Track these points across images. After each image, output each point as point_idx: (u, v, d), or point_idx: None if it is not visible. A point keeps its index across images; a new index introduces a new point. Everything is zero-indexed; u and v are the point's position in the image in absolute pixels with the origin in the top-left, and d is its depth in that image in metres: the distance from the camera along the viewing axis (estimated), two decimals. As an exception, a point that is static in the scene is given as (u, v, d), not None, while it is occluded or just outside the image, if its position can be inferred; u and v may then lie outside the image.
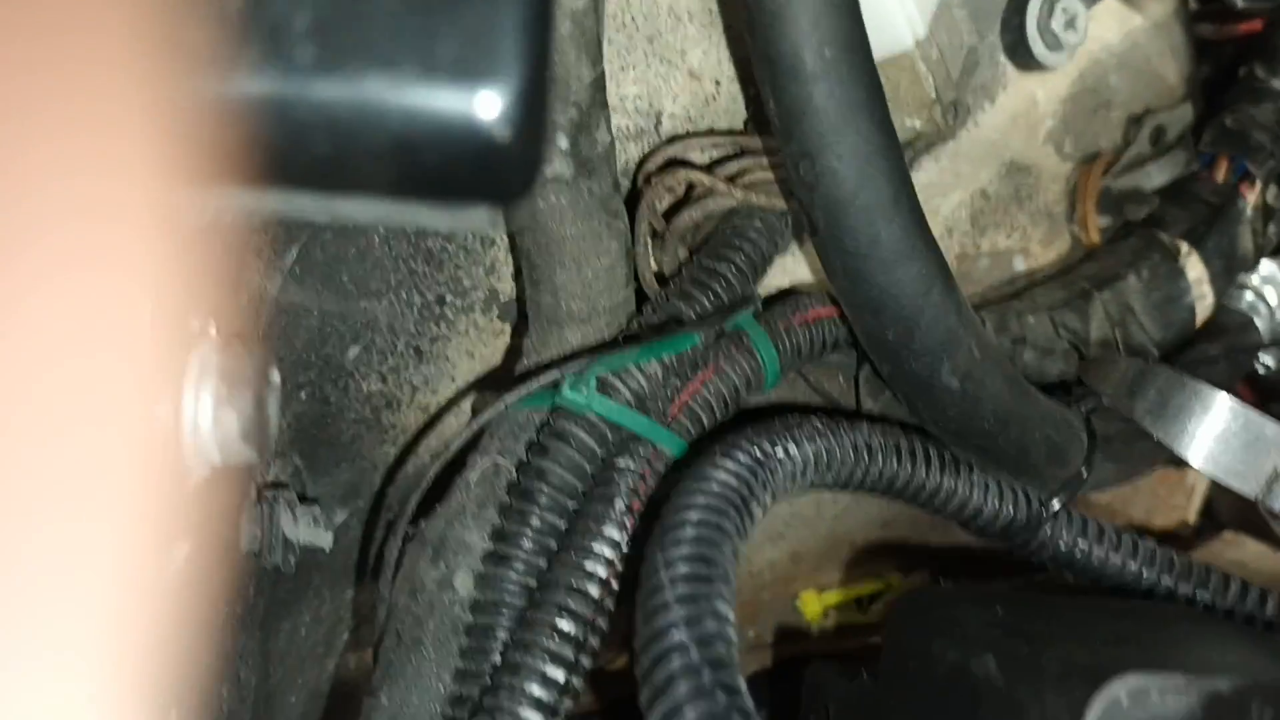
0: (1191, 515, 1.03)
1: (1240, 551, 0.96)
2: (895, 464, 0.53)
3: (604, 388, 0.52)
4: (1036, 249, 0.75)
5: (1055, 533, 0.56)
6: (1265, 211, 0.74)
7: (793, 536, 0.85)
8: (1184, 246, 0.72)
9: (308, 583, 0.65)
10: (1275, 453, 0.51)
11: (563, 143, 0.53)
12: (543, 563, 0.51)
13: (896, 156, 0.45)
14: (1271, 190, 0.74)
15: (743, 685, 0.37)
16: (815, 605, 0.87)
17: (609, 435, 0.52)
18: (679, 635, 0.38)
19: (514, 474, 0.52)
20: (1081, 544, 0.57)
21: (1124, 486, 0.61)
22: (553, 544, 0.51)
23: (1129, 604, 0.49)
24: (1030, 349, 0.68)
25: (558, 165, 0.53)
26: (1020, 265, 0.75)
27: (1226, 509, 1.06)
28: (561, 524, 0.51)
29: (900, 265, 0.46)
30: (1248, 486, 0.51)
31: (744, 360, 0.56)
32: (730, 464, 0.45)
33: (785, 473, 0.48)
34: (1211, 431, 0.51)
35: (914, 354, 0.48)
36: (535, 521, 0.51)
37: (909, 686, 0.45)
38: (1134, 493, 0.97)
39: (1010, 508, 0.56)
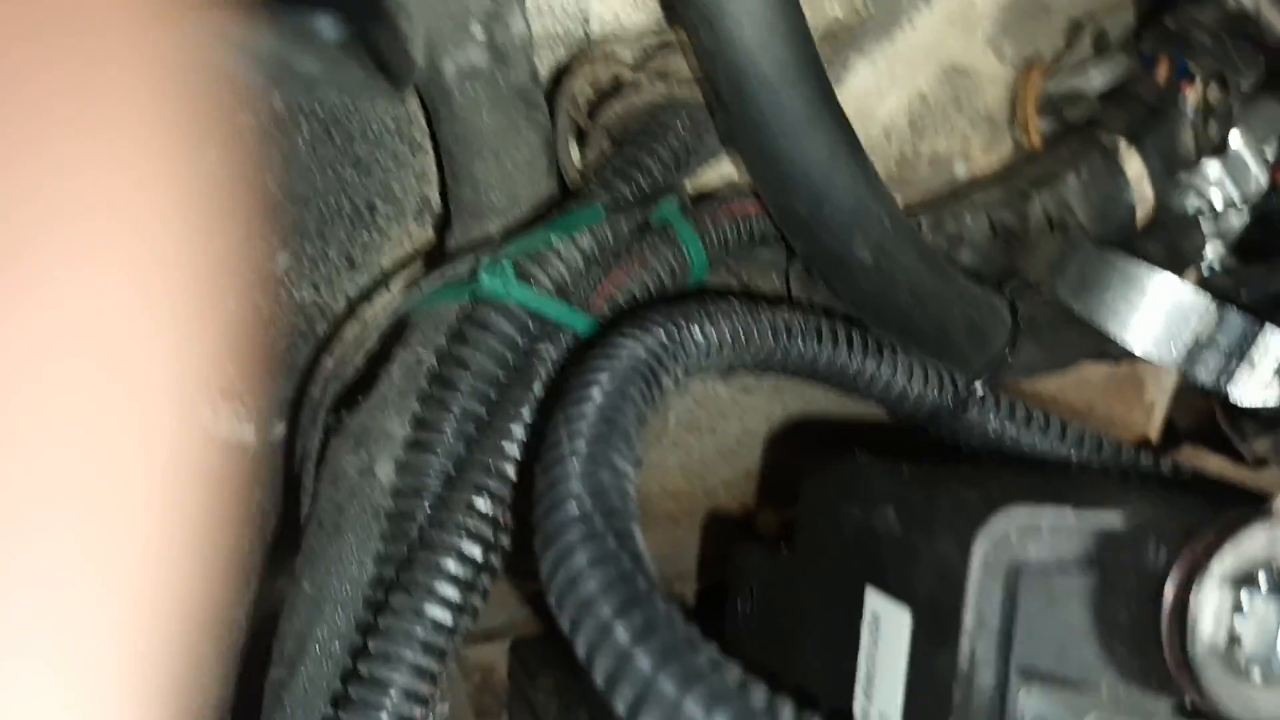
0: (1153, 432, 1.03)
1: (1199, 465, 0.96)
2: (816, 345, 0.53)
3: (524, 276, 0.52)
4: (977, 154, 0.75)
5: (981, 416, 0.57)
6: (1206, 110, 0.74)
7: (746, 454, 0.86)
8: (1123, 144, 0.72)
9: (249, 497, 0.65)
10: (1196, 320, 0.51)
11: (478, 32, 0.53)
12: (463, 449, 0.51)
13: (798, 22, 0.45)
14: (1213, 89, 0.74)
15: (637, 533, 0.37)
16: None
17: (530, 324, 0.52)
18: (574, 486, 0.38)
19: (435, 364, 0.53)
20: (1009, 427, 0.57)
21: (1056, 374, 0.61)
22: (473, 430, 0.51)
23: (1037, 469, 0.49)
24: (967, 248, 0.68)
25: (473, 55, 0.53)
26: (961, 170, 0.75)
27: (1187, 424, 1.07)
28: (482, 411, 0.51)
29: (805, 134, 0.46)
30: (1169, 356, 0.51)
31: (668, 252, 0.56)
32: (640, 335, 0.45)
33: (698, 348, 0.48)
34: (1131, 303, 0.51)
35: (824, 227, 0.48)
36: (456, 409, 0.51)
37: (820, 552, 0.45)
38: (1088, 410, 0.97)
39: (934, 390, 0.56)
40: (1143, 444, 0.99)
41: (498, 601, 0.86)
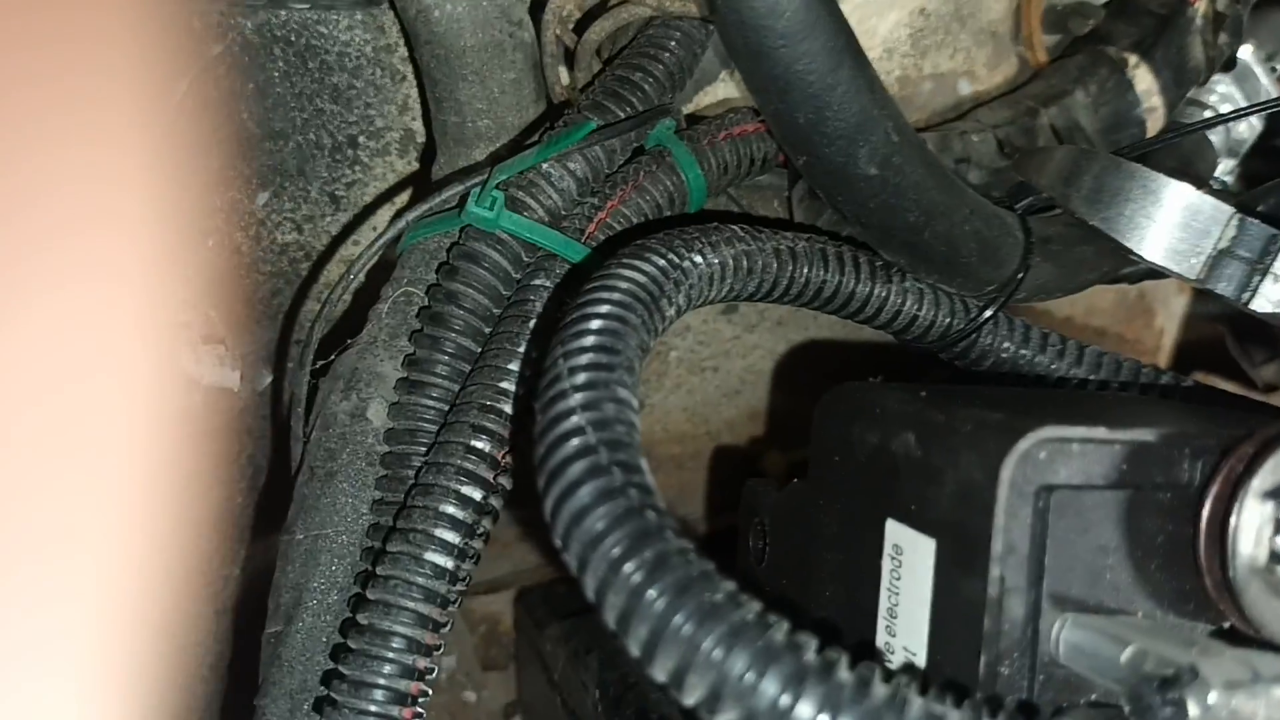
0: (1163, 358, 1.02)
1: (1210, 390, 0.94)
2: (822, 270, 0.51)
3: (514, 204, 0.50)
4: (982, 71, 0.72)
5: (993, 340, 0.54)
6: (1216, 20, 0.71)
7: (750, 394, 0.84)
8: (1132, 58, 0.69)
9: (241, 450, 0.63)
10: (1216, 230, 0.48)
11: (452, -55, 0.50)
12: (458, 388, 0.49)
13: (796, -80, 0.42)
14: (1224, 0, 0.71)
15: (644, 465, 0.35)
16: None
17: (522, 254, 0.50)
18: (576, 420, 0.36)
19: (426, 301, 0.50)
20: (1024, 351, 0.55)
21: (1068, 296, 0.59)
22: (466, 368, 0.49)
23: (1059, 390, 0.47)
24: (975, 169, 0.65)
25: (449, -29, 0.50)
26: (966, 89, 0.72)
27: (1198, 352, 1.05)
28: (475, 347, 0.49)
29: (805, 38, 0.43)
30: (1188, 269, 0.49)
31: (666, 178, 0.54)
32: (640, 263, 0.42)
33: (701, 276, 0.45)
34: (1149, 213, 0.49)
35: (827, 138, 0.45)
36: (448, 346, 0.49)
37: (835, 479, 0.43)
38: (1099, 339, 0.95)
39: (945, 314, 0.53)
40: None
41: (501, 551, 0.85)
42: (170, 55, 0.52)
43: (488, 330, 0.49)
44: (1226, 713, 0.29)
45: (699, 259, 0.46)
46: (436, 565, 0.44)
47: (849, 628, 0.41)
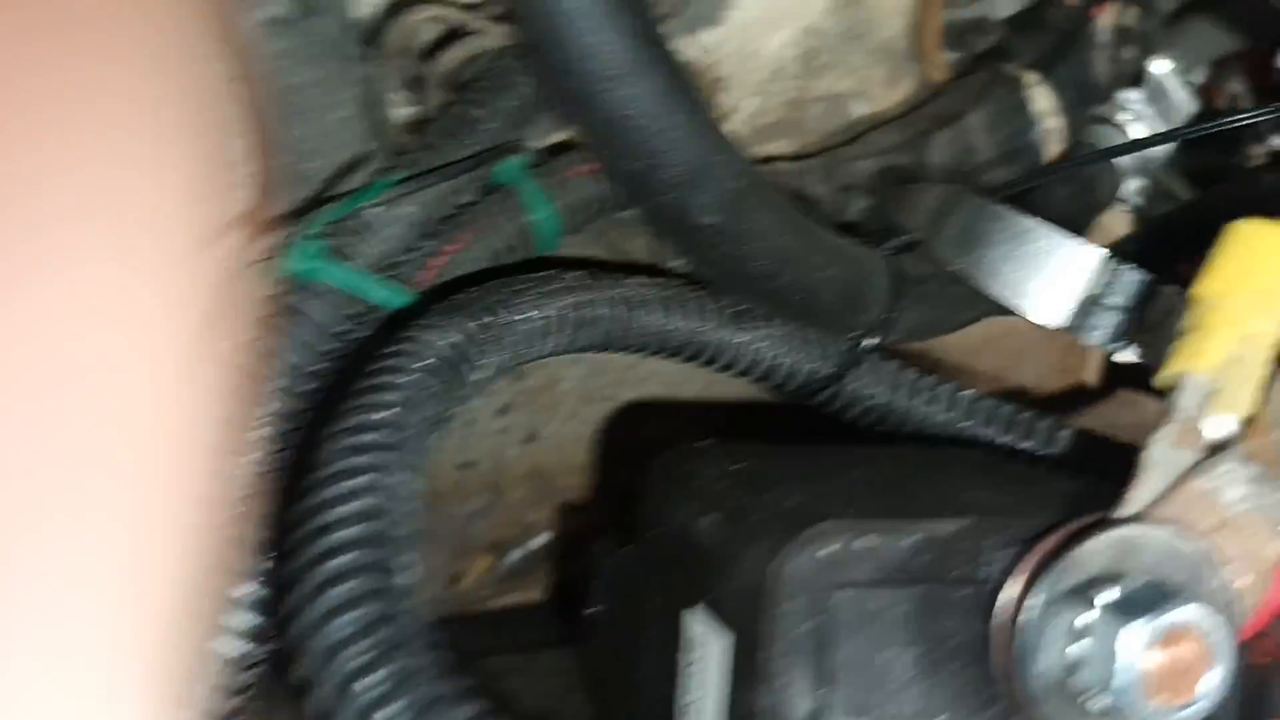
0: (1091, 376, 0.99)
1: (1137, 411, 0.92)
2: (671, 318, 0.48)
3: (339, 252, 0.47)
4: (877, 91, 0.69)
5: (862, 387, 0.52)
6: (1121, 35, 0.68)
7: (651, 424, 0.81)
8: (1031, 77, 0.66)
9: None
10: (1086, 276, 0.46)
11: (274, -23, 0.47)
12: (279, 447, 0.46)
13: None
14: (1129, 12, 0.68)
15: (406, 565, 0.33)
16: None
17: (347, 307, 0.47)
18: (340, 510, 0.33)
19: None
20: (896, 398, 0.52)
21: (948, 334, 0.56)
22: (289, 426, 0.46)
23: (906, 451, 0.44)
24: (862, 197, 0.63)
25: (277, 5, 0.47)
26: (861, 109, 0.69)
27: (1127, 368, 1.02)
28: (297, 405, 0.47)
29: (627, 81, 0.40)
30: (1054, 316, 0.46)
31: (512, 219, 0.51)
32: (439, 332, 0.40)
33: (521, 334, 0.43)
34: (1014, 259, 0.46)
35: (661, 186, 0.43)
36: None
37: (654, 553, 0.41)
38: (1020, 357, 0.93)
39: (809, 361, 0.51)
40: (1081, 393, 0.95)
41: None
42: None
43: (312, 390, 0.47)
44: None
45: (521, 315, 0.43)
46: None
47: (655, 718, 0.39)
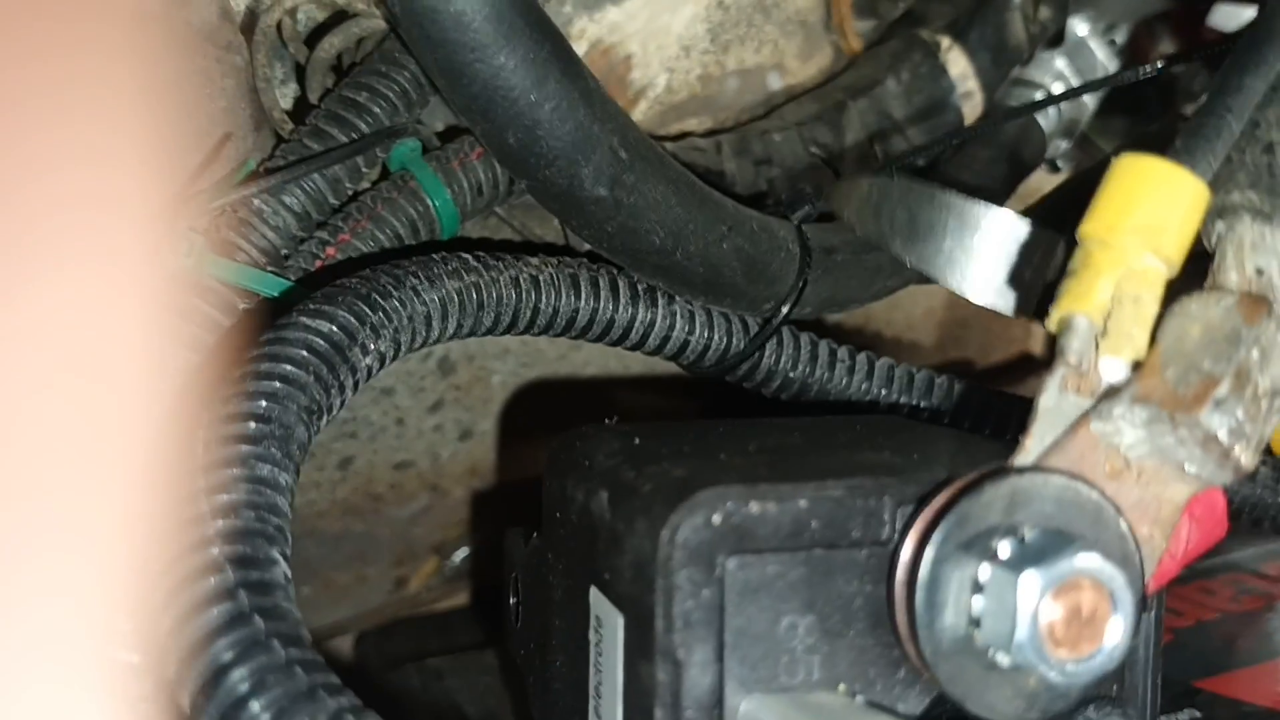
0: (1035, 346, 0.99)
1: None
2: (573, 298, 0.46)
3: (224, 247, 0.45)
4: (793, 63, 0.68)
5: (778, 360, 0.50)
6: (1037, -5, 0.67)
7: (587, 413, 0.80)
8: (945, 41, 0.65)
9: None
10: (1040, 259, 0.44)
11: (142, -34, 0.45)
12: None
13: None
14: (1044, -28, 0.68)
15: (273, 554, 0.31)
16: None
17: (237, 302, 0.46)
18: (209, 529, 0.31)
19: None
20: (811, 370, 0.51)
21: (867, 304, 0.55)
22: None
23: (806, 420, 0.43)
24: (777, 169, 0.62)
25: (143, -6, 0.45)
26: (776, 83, 0.68)
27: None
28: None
29: (499, 50, 0.39)
30: (1013, 304, 0.44)
31: (408, 205, 0.49)
32: (318, 319, 0.38)
33: (415, 316, 0.41)
34: (967, 247, 0.44)
35: (544, 160, 0.41)
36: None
37: (557, 538, 0.39)
38: (962, 329, 0.92)
39: (720, 336, 0.49)
40: (1026, 363, 0.95)
41: (341, 594, 0.81)
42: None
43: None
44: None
45: (410, 298, 0.41)
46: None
47: (572, 707, 0.37)
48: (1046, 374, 0.31)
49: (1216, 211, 0.31)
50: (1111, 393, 0.31)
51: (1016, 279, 0.44)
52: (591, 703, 0.35)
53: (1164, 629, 0.37)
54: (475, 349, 0.70)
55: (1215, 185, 0.30)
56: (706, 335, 0.49)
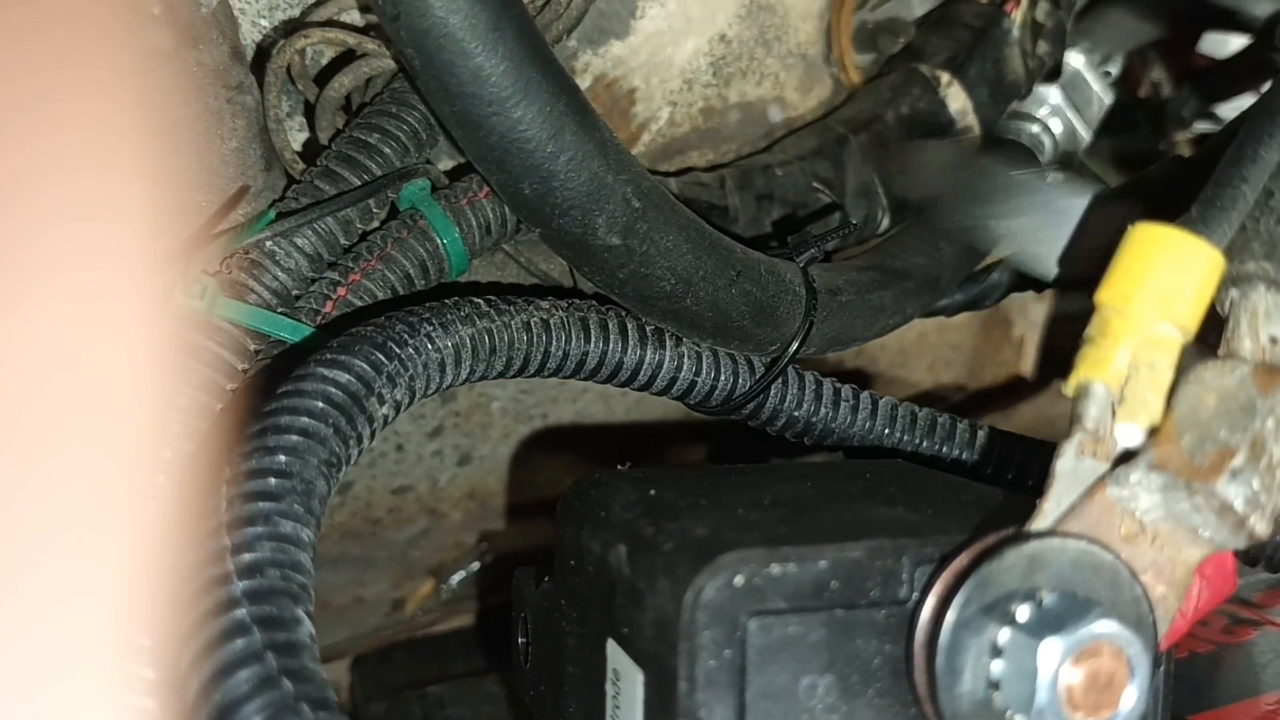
0: (1026, 367, 0.99)
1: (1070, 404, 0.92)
2: (583, 341, 0.47)
3: (238, 287, 0.45)
4: (794, 96, 0.68)
5: (783, 400, 0.51)
6: (1034, 29, 0.68)
7: (586, 438, 0.80)
8: (944, 76, 0.66)
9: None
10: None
11: (154, 6, 0.45)
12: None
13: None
14: (1042, 6, 0.68)
15: (297, 613, 0.31)
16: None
17: (248, 342, 0.46)
18: (234, 589, 0.31)
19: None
20: (818, 410, 0.51)
21: (866, 343, 0.55)
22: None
23: (820, 467, 0.43)
24: (779, 205, 0.62)
25: (153, 35, 0.45)
26: (777, 115, 0.69)
27: (1063, 358, 1.02)
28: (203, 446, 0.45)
29: (516, 104, 0.39)
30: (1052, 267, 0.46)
31: (418, 245, 0.49)
32: (336, 369, 0.38)
33: (429, 363, 0.41)
34: (1019, 214, 0.45)
35: (558, 209, 0.42)
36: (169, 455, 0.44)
37: (571, 586, 0.40)
38: (954, 353, 0.93)
39: (727, 377, 0.50)
40: (1017, 385, 0.95)
41: (337, 616, 0.81)
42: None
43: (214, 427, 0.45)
44: None
45: (425, 345, 0.42)
46: None
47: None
48: (1064, 440, 0.32)
49: (1231, 280, 0.32)
50: (1127, 458, 0.31)
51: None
52: (610, 757, 0.36)
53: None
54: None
55: (1230, 254, 0.31)
56: (713, 376, 0.50)
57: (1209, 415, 0.30)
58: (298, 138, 0.52)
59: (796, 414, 0.51)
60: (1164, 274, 0.31)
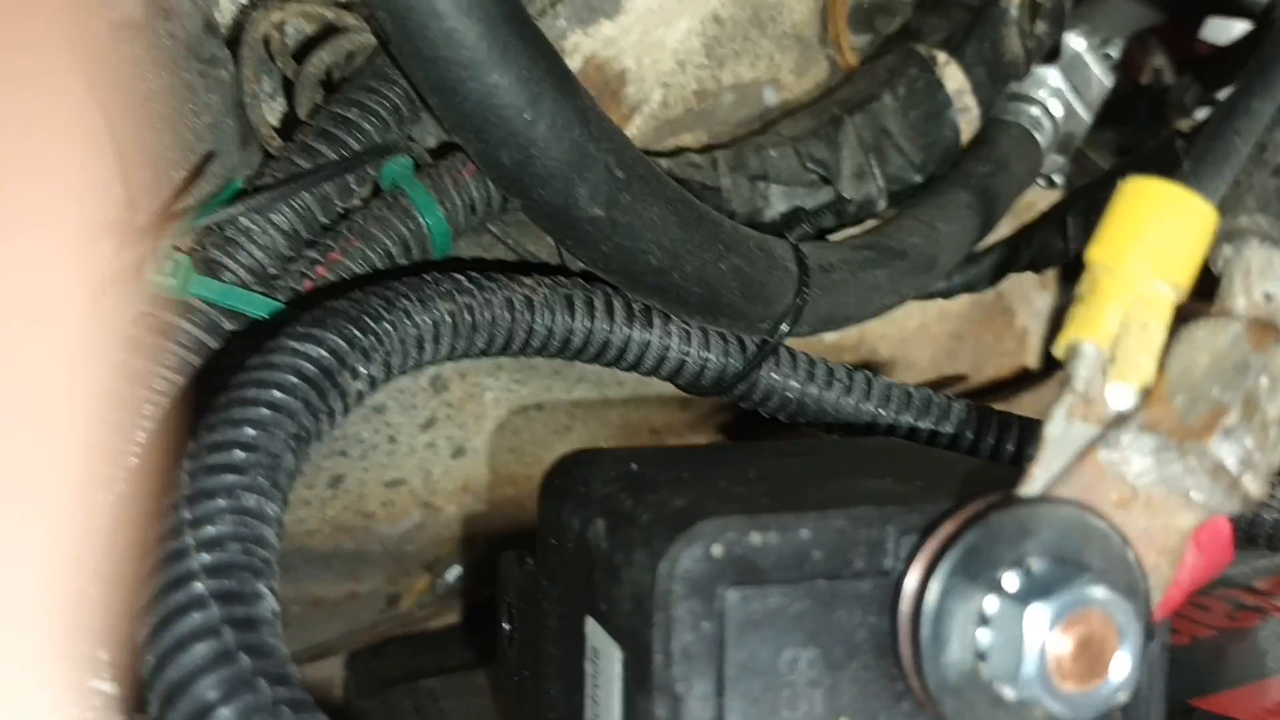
0: (1030, 359, 0.98)
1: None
2: (567, 318, 0.46)
3: (210, 265, 0.44)
4: (789, 78, 0.67)
5: (774, 380, 0.50)
6: (1033, 9, 0.67)
7: (582, 429, 0.79)
8: (941, 56, 0.65)
9: None
10: None
11: (127, -20, 0.44)
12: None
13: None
14: (1040, -15, 0.67)
15: (259, 588, 0.30)
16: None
17: (222, 322, 0.45)
18: (192, 563, 0.30)
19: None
20: (808, 388, 0.50)
21: (859, 323, 0.54)
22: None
23: (807, 443, 0.42)
24: (774, 185, 0.61)
25: (123, 5, 0.44)
26: (772, 98, 0.68)
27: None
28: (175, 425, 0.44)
29: (492, 69, 0.38)
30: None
31: (399, 223, 0.48)
32: (307, 343, 0.37)
33: (406, 339, 0.40)
34: None
35: (538, 180, 0.41)
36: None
37: (553, 565, 0.39)
38: (957, 343, 0.92)
39: (718, 356, 0.49)
40: (1022, 377, 0.94)
41: (331, 611, 0.80)
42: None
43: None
44: None
45: (401, 320, 0.41)
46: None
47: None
48: (1053, 402, 0.31)
49: (1224, 235, 0.31)
50: (1119, 421, 0.30)
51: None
52: (588, 736, 0.35)
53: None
54: (468, 365, 0.69)
55: (1223, 209, 0.30)
56: (703, 355, 0.49)
57: (1202, 375, 0.29)
58: (276, 114, 0.51)
59: (789, 394, 0.50)
60: (1156, 230, 0.30)
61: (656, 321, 0.48)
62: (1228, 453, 0.28)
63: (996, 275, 0.63)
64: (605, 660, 0.33)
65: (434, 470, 0.74)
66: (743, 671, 0.30)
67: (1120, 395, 0.30)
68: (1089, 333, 0.30)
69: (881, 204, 0.62)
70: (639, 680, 0.31)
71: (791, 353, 0.51)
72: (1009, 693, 0.29)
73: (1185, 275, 0.29)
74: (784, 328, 0.49)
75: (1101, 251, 0.30)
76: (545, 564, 0.40)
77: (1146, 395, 0.30)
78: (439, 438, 0.72)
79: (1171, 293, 0.30)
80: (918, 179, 0.63)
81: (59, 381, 0.26)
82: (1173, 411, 0.29)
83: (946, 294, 0.64)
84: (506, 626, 0.46)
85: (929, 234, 0.57)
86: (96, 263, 0.29)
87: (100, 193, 0.31)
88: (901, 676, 0.31)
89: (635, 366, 0.48)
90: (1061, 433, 0.30)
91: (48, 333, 0.26)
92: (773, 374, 0.50)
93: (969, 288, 0.63)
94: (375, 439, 0.70)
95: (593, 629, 0.34)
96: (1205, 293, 0.33)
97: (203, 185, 0.47)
